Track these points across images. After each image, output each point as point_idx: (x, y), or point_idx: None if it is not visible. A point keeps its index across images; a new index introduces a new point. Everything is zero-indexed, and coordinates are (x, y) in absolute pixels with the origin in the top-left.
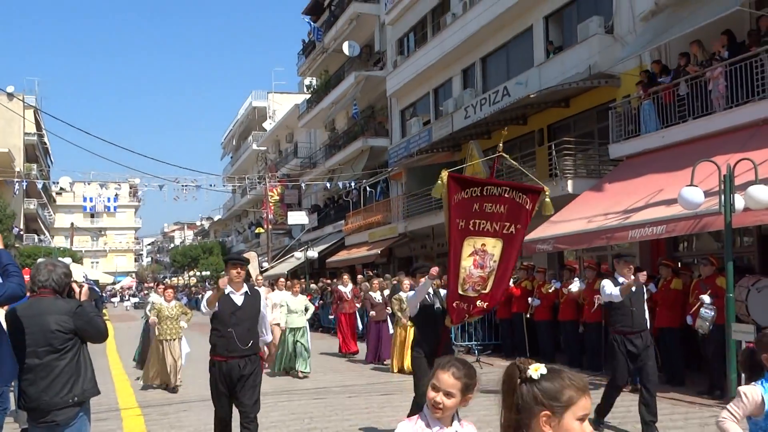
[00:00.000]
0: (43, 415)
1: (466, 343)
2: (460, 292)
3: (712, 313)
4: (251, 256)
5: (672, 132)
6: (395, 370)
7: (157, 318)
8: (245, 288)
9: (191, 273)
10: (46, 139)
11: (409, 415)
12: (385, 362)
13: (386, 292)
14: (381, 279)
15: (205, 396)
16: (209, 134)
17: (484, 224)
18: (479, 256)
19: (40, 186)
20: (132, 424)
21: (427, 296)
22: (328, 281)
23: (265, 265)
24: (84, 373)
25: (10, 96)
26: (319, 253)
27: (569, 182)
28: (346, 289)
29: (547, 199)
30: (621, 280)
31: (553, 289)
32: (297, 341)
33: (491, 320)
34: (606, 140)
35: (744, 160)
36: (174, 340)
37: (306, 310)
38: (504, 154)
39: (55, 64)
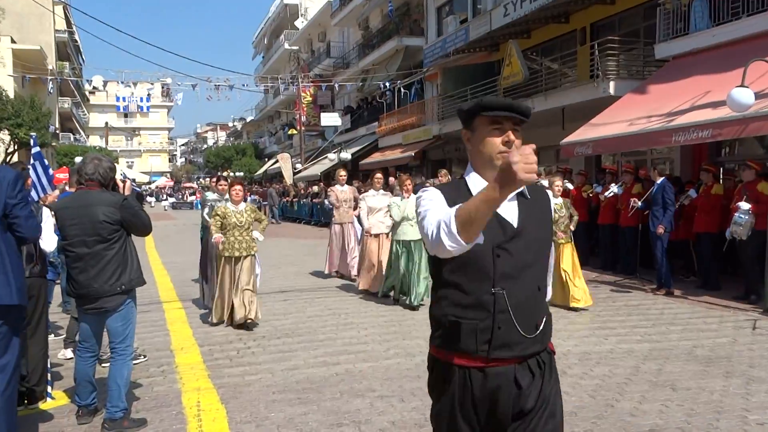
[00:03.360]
0: (92, 301)
1: None
2: None
3: (747, 218)
4: (284, 157)
5: (723, 30)
6: None
7: (220, 225)
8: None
9: (225, 174)
10: (77, 37)
11: None
12: None
13: None
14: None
15: None
16: (241, 34)
17: None
18: None
19: (73, 84)
20: (174, 315)
21: None
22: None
23: (299, 166)
24: (131, 263)
25: None
26: (352, 155)
27: (611, 84)
28: None
29: None
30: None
31: (593, 192)
32: (411, 260)
33: None
34: (652, 39)
35: None
36: (247, 257)
37: None
38: None
39: None
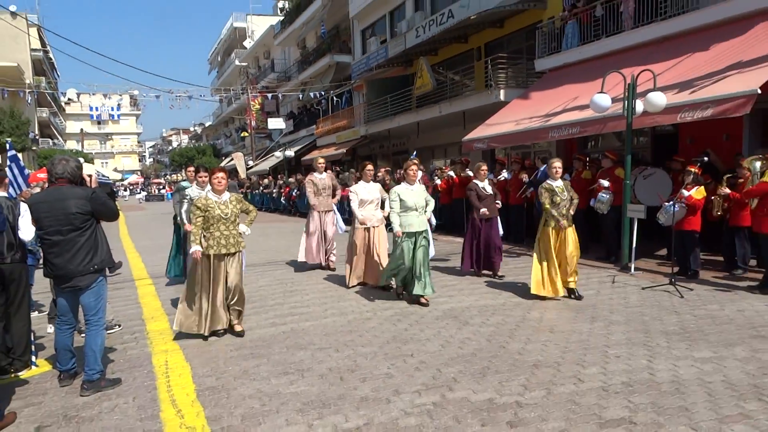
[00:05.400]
0: (67, 280)
1: None
2: None
3: (607, 196)
4: (238, 156)
5: (588, 48)
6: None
7: (203, 221)
8: None
9: (191, 169)
10: (51, 55)
11: None
12: (499, 275)
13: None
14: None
15: None
16: (197, 52)
17: None
18: None
19: (49, 96)
20: (145, 291)
21: None
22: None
23: (251, 163)
24: (101, 247)
25: (14, 14)
26: (295, 152)
27: (502, 91)
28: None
29: None
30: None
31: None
32: (416, 252)
33: (436, 204)
34: (533, 56)
35: (645, 71)
36: (234, 254)
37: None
38: None
39: None
